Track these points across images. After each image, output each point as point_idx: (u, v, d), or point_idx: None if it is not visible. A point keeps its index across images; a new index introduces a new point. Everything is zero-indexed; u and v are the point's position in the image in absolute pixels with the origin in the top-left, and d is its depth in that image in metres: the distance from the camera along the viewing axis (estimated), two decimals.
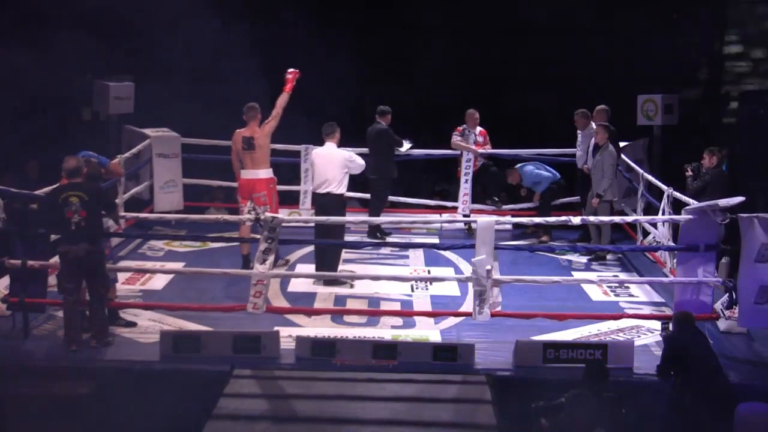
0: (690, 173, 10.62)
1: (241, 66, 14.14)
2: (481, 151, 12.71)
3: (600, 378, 7.04)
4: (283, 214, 10.58)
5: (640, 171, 11.54)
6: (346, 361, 8.08)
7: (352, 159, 10.45)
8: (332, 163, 10.30)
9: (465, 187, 12.82)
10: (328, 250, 10.22)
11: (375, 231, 12.17)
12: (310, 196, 11.78)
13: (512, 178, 12.74)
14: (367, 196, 12.49)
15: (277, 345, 8.20)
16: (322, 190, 10.31)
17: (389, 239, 12.05)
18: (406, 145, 12.48)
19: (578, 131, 12.20)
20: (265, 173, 10.31)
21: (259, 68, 13.77)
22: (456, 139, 12.69)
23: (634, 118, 13.76)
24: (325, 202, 10.29)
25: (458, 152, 12.78)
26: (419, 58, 15.43)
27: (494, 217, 9.09)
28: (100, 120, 13.25)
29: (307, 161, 12.31)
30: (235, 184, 10.74)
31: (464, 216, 12.43)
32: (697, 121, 15.01)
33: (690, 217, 8.66)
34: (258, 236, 8.78)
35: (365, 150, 11.96)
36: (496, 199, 12.94)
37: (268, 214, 8.74)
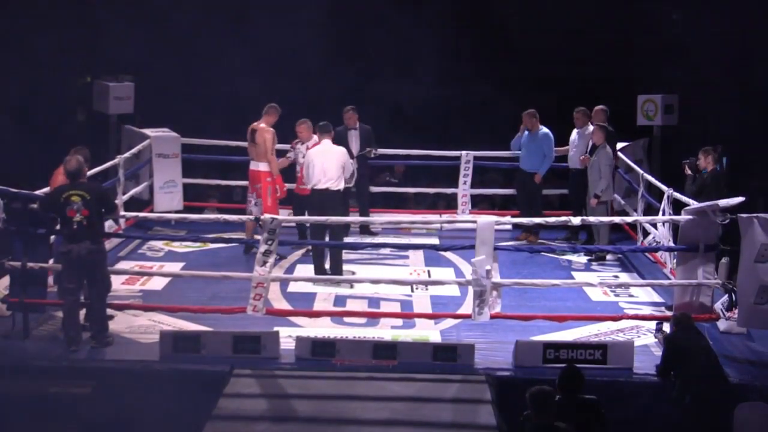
0: (689, 172, 10.60)
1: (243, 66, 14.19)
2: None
3: (575, 383, 6.80)
4: (283, 214, 10.58)
5: (640, 171, 11.52)
6: (346, 361, 8.08)
7: (349, 160, 10.46)
8: (331, 160, 10.34)
9: (464, 189, 12.83)
10: (328, 248, 10.26)
11: (366, 230, 12.23)
12: None
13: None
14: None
15: (277, 345, 8.19)
16: (321, 186, 10.33)
17: (377, 239, 12.02)
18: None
19: (575, 129, 12.17)
20: (266, 167, 10.76)
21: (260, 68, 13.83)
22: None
23: (634, 118, 13.76)
24: (324, 198, 10.30)
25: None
26: None
27: (494, 217, 9.09)
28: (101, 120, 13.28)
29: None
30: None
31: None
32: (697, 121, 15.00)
33: (690, 217, 8.66)
34: (259, 237, 8.79)
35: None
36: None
37: (267, 215, 8.75)
